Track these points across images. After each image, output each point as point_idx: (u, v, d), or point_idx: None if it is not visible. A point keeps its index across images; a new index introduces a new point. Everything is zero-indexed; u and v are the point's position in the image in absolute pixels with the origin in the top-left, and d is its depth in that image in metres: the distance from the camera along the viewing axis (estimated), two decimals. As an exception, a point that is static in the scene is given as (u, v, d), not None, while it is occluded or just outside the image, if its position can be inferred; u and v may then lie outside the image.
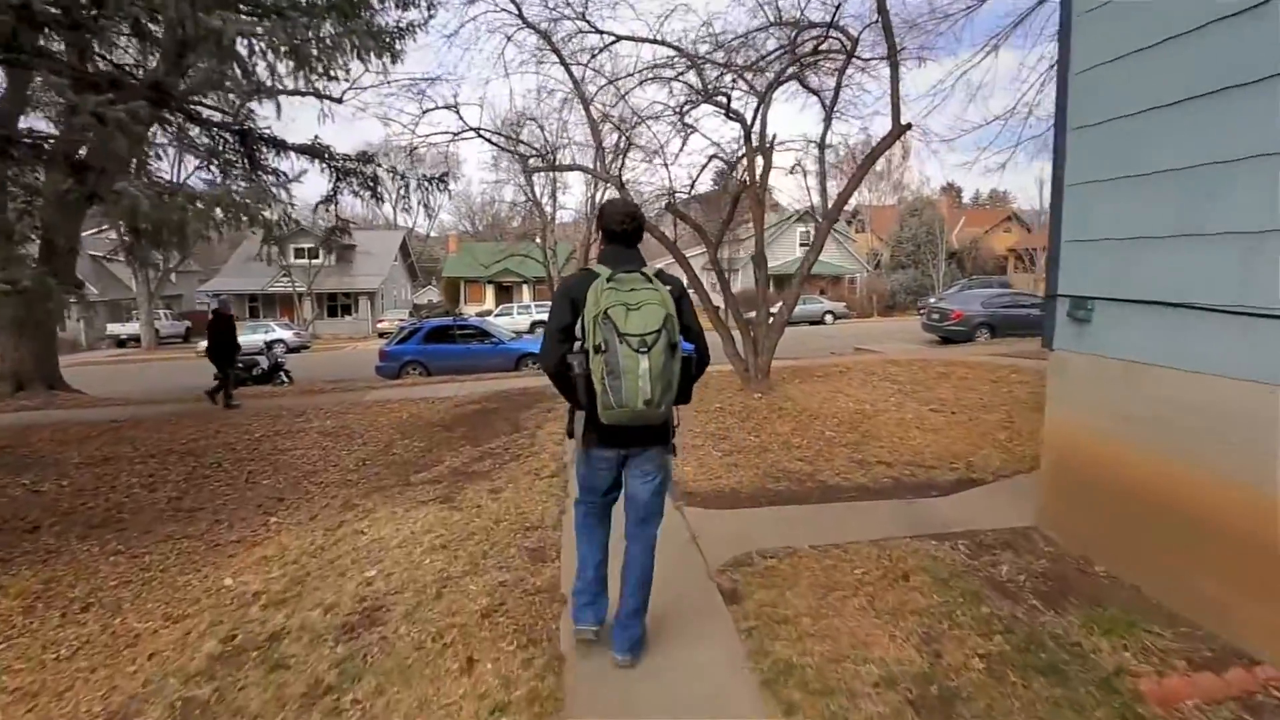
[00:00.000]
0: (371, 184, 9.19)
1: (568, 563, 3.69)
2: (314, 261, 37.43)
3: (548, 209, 33.24)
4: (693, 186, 8.69)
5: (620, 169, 8.12)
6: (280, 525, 5.06)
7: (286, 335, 29.28)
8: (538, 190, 32.66)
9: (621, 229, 2.69)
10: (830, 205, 7.64)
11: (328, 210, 9.35)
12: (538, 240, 34.16)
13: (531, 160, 8.35)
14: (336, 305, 39.60)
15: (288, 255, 38.02)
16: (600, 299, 2.40)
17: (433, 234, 68.63)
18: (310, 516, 5.25)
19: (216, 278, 40.43)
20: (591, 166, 8.46)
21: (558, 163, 8.25)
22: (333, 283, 38.23)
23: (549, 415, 7.81)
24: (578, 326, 2.51)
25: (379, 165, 9.02)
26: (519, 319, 29.11)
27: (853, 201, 57.79)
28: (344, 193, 9.18)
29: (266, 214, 7.57)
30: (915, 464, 5.39)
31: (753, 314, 8.45)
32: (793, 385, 8.89)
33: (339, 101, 8.51)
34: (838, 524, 4.22)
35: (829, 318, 34.02)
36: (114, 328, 35.74)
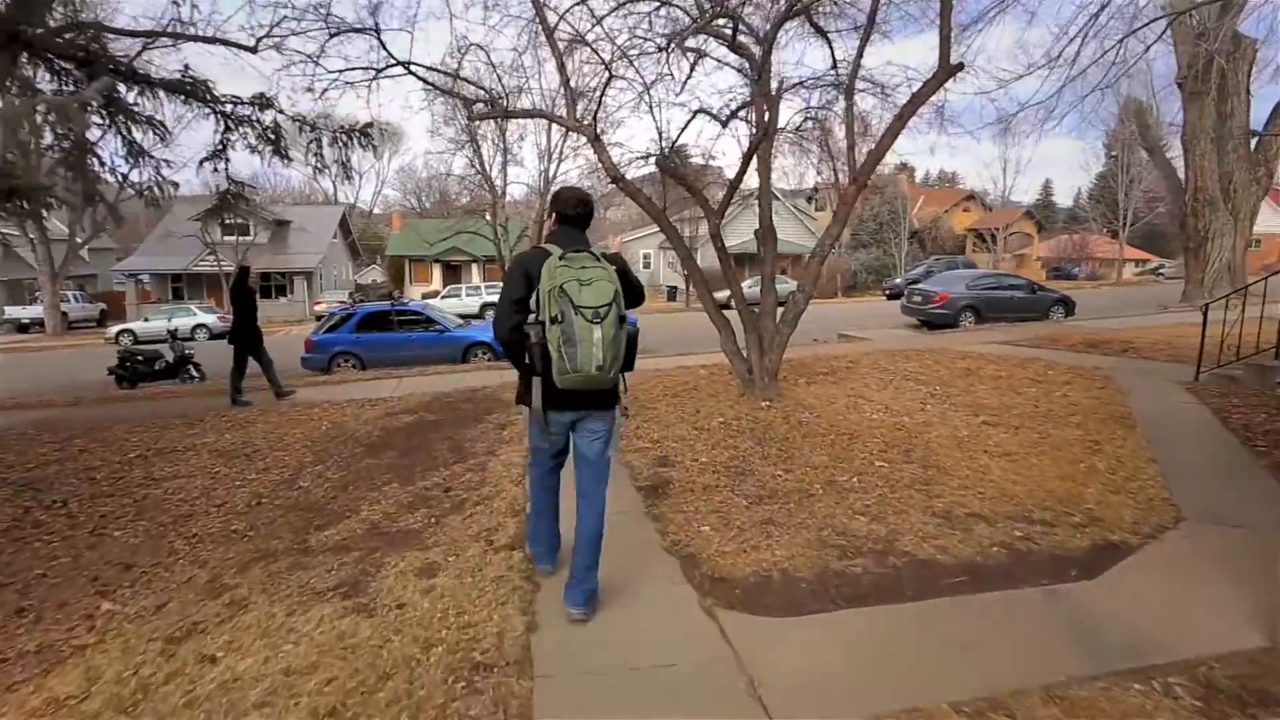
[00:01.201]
0: (271, 136, 7.20)
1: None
2: (244, 239, 34.40)
3: (498, 183, 31.05)
4: (673, 143, 6.95)
5: (595, 117, 6.36)
6: (108, 623, 3.32)
7: (210, 320, 26.58)
8: (487, 163, 30.44)
9: (575, 212, 2.95)
10: (861, 162, 6.09)
11: (216, 169, 7.32)
12: (487, 217, 31.96)
13: (478, 106, 6.50)
14: (270, 286, 36.59)
15: (214, 231, 34.96)
16: (556, 275, 2.64)
17: (376, 210, 65.22)
18: (157, 605, 3.50)
19: (134, 256, 36.98)
20: (556, 113, 6.70)
21: (515, 109, 6.40)
22: (265, 261, 35.19)
23: (503, 435, 6.11)
24: (532, 299, 2.74)
25: (280, 112, 7.04)
26: (468, 301, 27.01)
27: (811, 178, 56.84)
28: (236, 145, 7.18)
29: (135, 176, 5.68)
30: (1019, 516, 3.90)
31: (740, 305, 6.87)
32: (801, 388, 7.37)
33: (253, 50, 6.50)
34: (969, 647, 2.68)
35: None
36: (14, 311, 32.21)
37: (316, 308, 30.19)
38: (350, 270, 47.03)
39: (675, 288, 41.57)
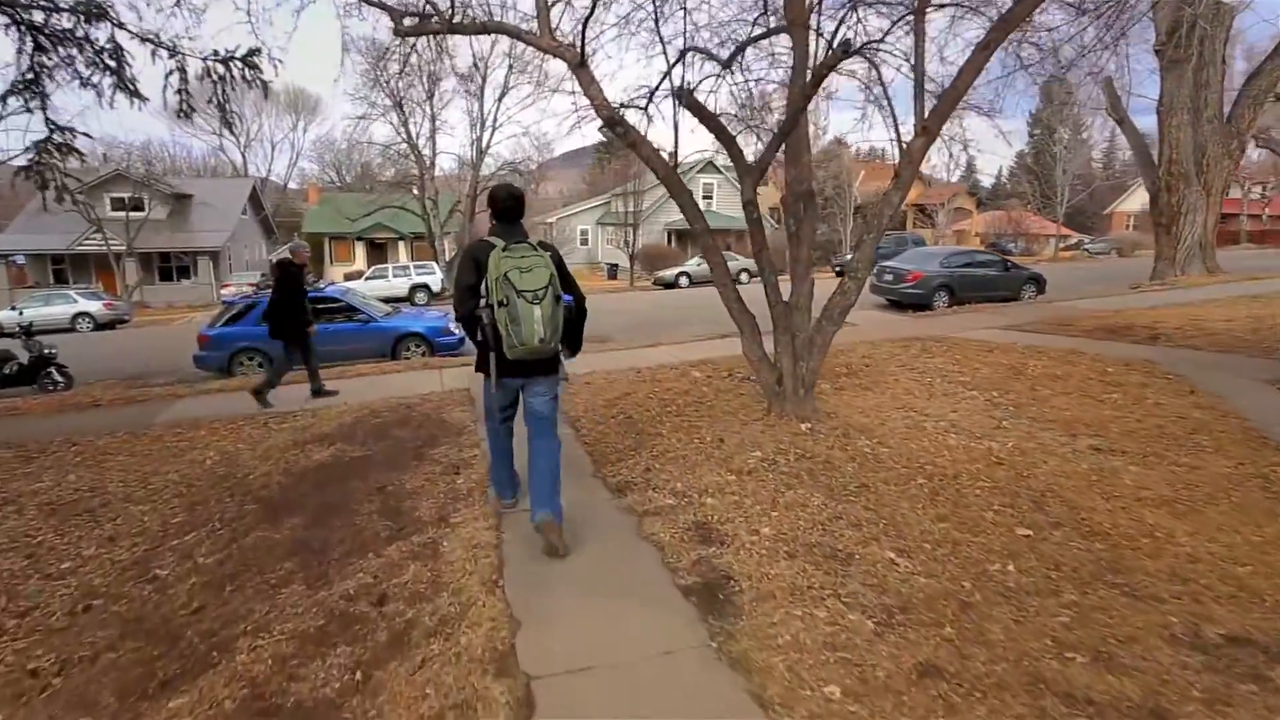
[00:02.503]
0: (109, 62, 5.06)
1: None
2: (135, 214, 30.58)
3: (426, 154, 28.45)
4: (683, 87, 5.21)
5: (584, 35, 4.62)
6: None
7: (94, 307, 23.24)
8: (414, 131, 27.80)
9: (505, 206, 3.41)
10: (938, 104, 4.55)
11: (32, 108, 5.08)
12: (414, 191, 29.33)
13: (409, 20, 4.61)
14: (170, 267, 32.91)
15: (102, 206, 30.95)
16: (500, 265, 3.11)
17: (292, 185, 60.52)
18: None
19: (5, 234, 32.47)
20: (526, 29, 4.89)
21: (463, 22, 4.54)
22: (163, 240, 31.56)
23: (457, 484, 4.35)
24: (482, 285, 3.22)
25: (120, 26, 4.90)
26: (396, 282, 24.50)
27: (753, 154, 55.84)
28: (55, 74, 5.01)
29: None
30: (1302, 636, 2.50)
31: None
32: (833, 397, 5.89)
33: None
34: None
35: (744, 275, 31.58)
36: None
37: (224, 291, 27.03)
38: (264, 250, 43.14)
39: (616, 265, 39.82)
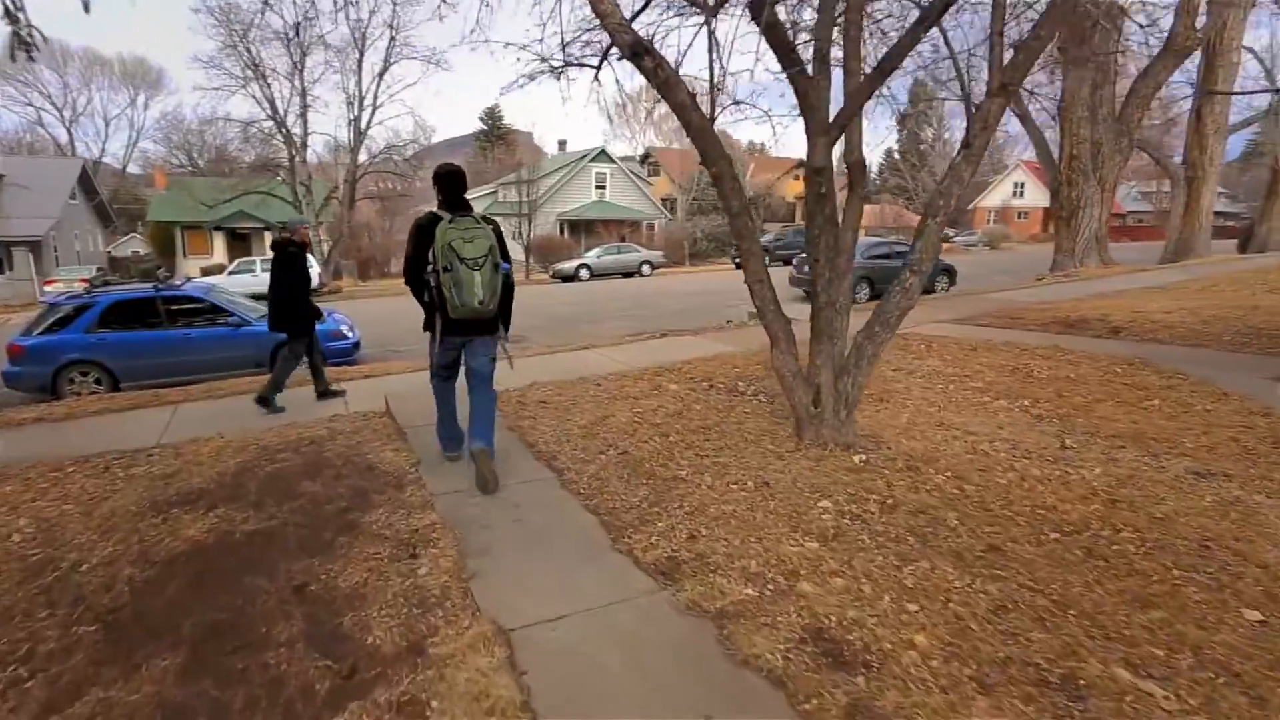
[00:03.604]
0: None
1: None
2: (-76, 196, 25.38)
3: (296, 133, 25.43)
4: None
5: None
6: None
7: None
8: (280, 106, 24.73)
9: (448, 181, 3.71)
10: (1017, 57, 3.62)
11: None
12: (282, 177, 26.16)
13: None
14: (-25, 260, 27.70)
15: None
16: (445, 235, 3.48)
17: (132, 168, 53.55)
18: None
19: None
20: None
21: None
22: (-36, 228, 26.47)
23: (417, 568, 2.97)
24: (429, 254, 3.57)
25: None
26: (264, 277, 21.50)
27: (641, 145, 55.14)
28: None
29: None
30: None
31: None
32: (854, 413, 4.90)
33: None
34: None
35: (646, 268, 30.76)
36: None
37: (48, 289, 22.88)
38: (101, 240, 37.63)
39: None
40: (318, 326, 9.75)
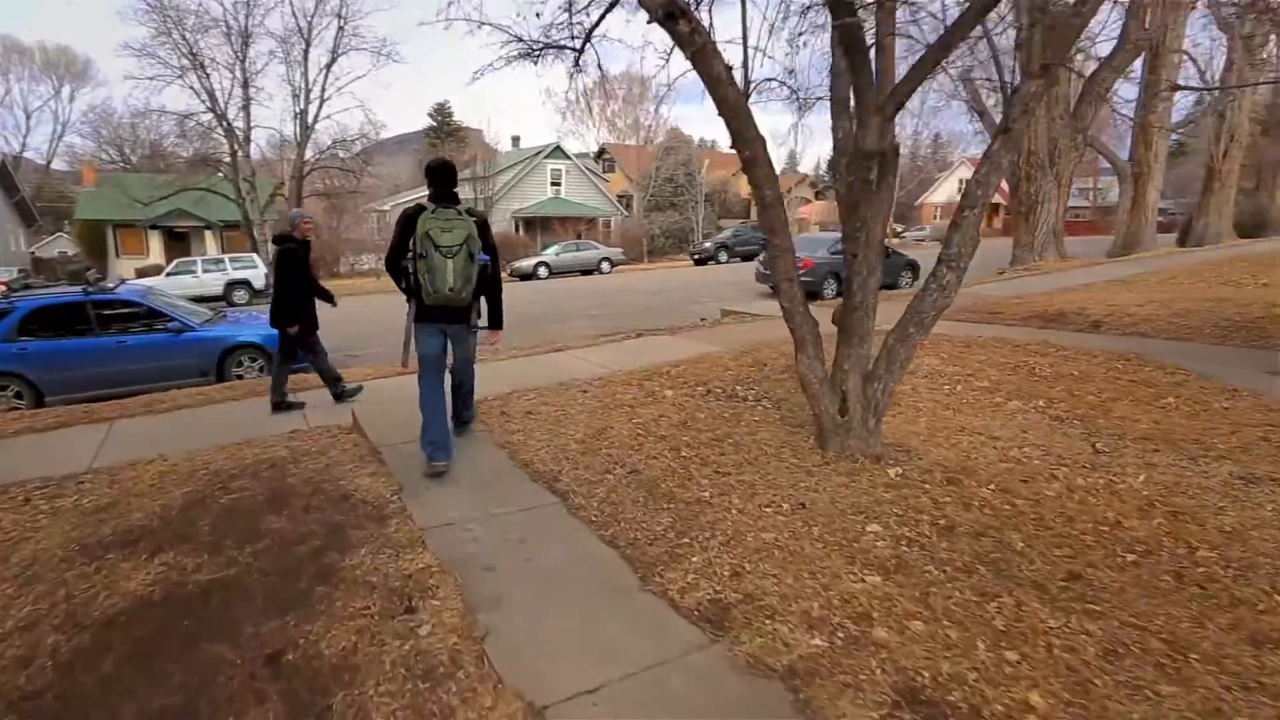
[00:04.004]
0: None
1: None
2: None
3: (238, 127, 24.09)
4: None
5: None
6: None
7: None
8: (220, 98, 23.39)
9: (437, 174, 3.84)
10: (1056, 35, 3.31)
11: None
12: (223, 174, 24.76)
13: None
14: (-122, 263, 25.50)
15: None
16: (424, 224, 3.65)
17: (57, 164, 50.34)
18: None
19: None
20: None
21: None
22: None
23: (416, 627, 2.50)
24: (410, 242, 3.73)
25: None
26: (207, 278, 20.36)
27: (594, 141, 54.49)
28: None
29: None
30: None
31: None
32: (883, 425, 4.58)
33: None
34: None
35: (605, 265, 30.28)
36: None
37: (-39, 293, 21.11)
38: (24, 240, 35.23)
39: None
40: (269, 331, 9.11)
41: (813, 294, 15.37)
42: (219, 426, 5.52)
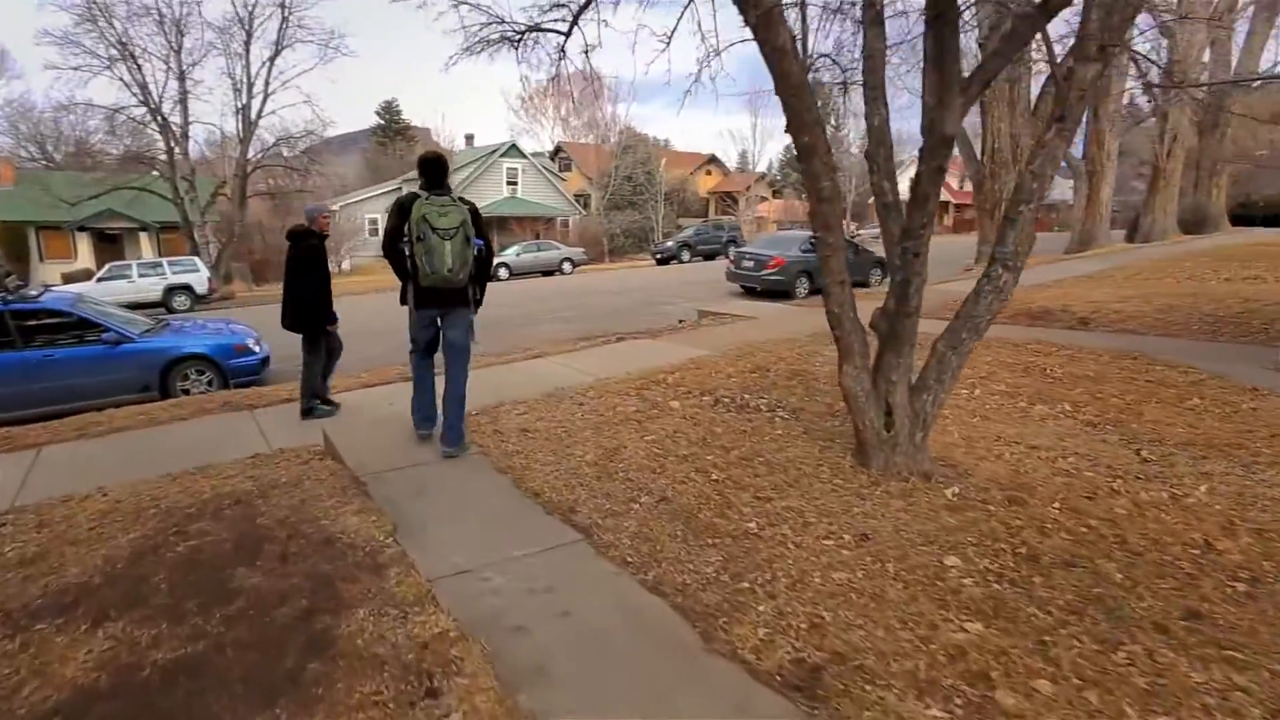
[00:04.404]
0: None
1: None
2: None
3: (175, 122, 22.72)
4: None
5: None
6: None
7: None
8: (155, 92, 22.00)
9: (430, 166, 3.99)
10: (1110, 15, 3.04)
11: None
12: (159, 172, 23.33)
13: None
14: None
15: None
16: (420, 210, 3.79)
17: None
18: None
19: None
20: None
21: None
22: None
23: (442, 718, 2.03)
24: (405, 228, 3.87)
25: None
26: (144, 283, 19.06)
27: (550, 140, 53.80)
28: None
29: None
30: None
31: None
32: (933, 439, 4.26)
33: None
34: None
35: (567, 265, 29.70)
36: None
37: None
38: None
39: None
40: (218, 341, 8.38)
41: (784, 293, 15.21)
42: (167, 452, 4.88)
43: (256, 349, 8.63)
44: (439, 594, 2.62)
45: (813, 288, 15.48)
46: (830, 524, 3.02)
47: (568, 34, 5.33)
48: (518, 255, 28.19)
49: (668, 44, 4.65)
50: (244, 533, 3.25)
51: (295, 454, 4.61)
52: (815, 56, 3.63)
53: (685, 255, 31.70)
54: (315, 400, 5.69)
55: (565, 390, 5.79)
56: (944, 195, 57.07)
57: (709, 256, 32.05)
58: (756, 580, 2.61)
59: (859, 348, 3.35)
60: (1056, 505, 3.19)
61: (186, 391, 7.72)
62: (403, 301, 4.15)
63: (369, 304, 17.45)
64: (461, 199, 3.96)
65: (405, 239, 3.89)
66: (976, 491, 3.31)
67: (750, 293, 16.32)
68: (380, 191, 42.84)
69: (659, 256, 32.49)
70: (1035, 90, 16.63)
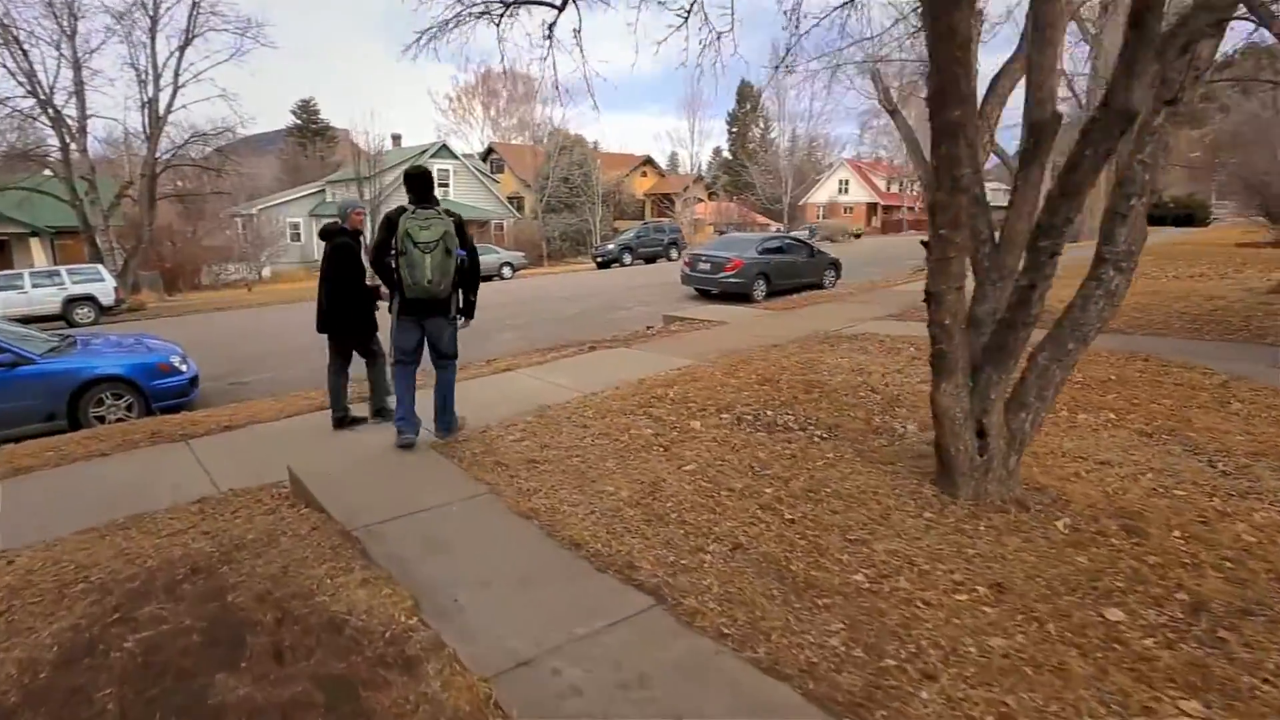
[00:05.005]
0: None
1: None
2: None
3: (70, 115, 20.61)
4: None
5: None
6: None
7: None
8: (44, 80, 19.88)
9: (415, 181, 4.12)
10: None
11: None
12: (51, 171, 21.14)
13: None
14: None
15: None
16: (405, 224, 3.95)
17: None
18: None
19: None
20: None
21: None
22: None
23: None
24: (393, 241, 4.02)
25: None
26: (38, 295, 17.06)
27: (479, 141, 52.48)
28: None
29: None
30: None
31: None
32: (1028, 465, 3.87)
33: None
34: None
35: (507, 270, 28.71)
36: None
37: None
38: None
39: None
40: (137, 360, 7.33)
41: (743, 296, 14.89)
42: (88, 499, 4.03)
43: (183, 368, 7.63)
44: (502, 699, 2.01)
45: (770, 290, 15.27)
46: (951, 571, 2.55)
47: (561, 7, 4.74)
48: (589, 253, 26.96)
49: (685, 17, 4.09)
50: (215, 618, 2.52)
51: (255, 498, 3.85)
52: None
53: (627, 258, 31.17)
54: (388, 394, 5.14)
55: (553, 408, 5.21)
56: (871, 197, 59.00)
57: (650, 259, 31.67)
58: (900, 655, 2.11)
59: (963, 364, 2.91)
60: (1177, 534, 2.83)
61: (102, 420, 6.69)
62: (390, 309, 4.30)
63: (306, 314, 16.24)
64: (447, 211, 4.09)
65: (393, 252, 4.03)
66: (1085, 522, 2.92)
67: (705, 295, 15.96)
68: (301, 194, 40.62)
69: (600, 259, 31.84)
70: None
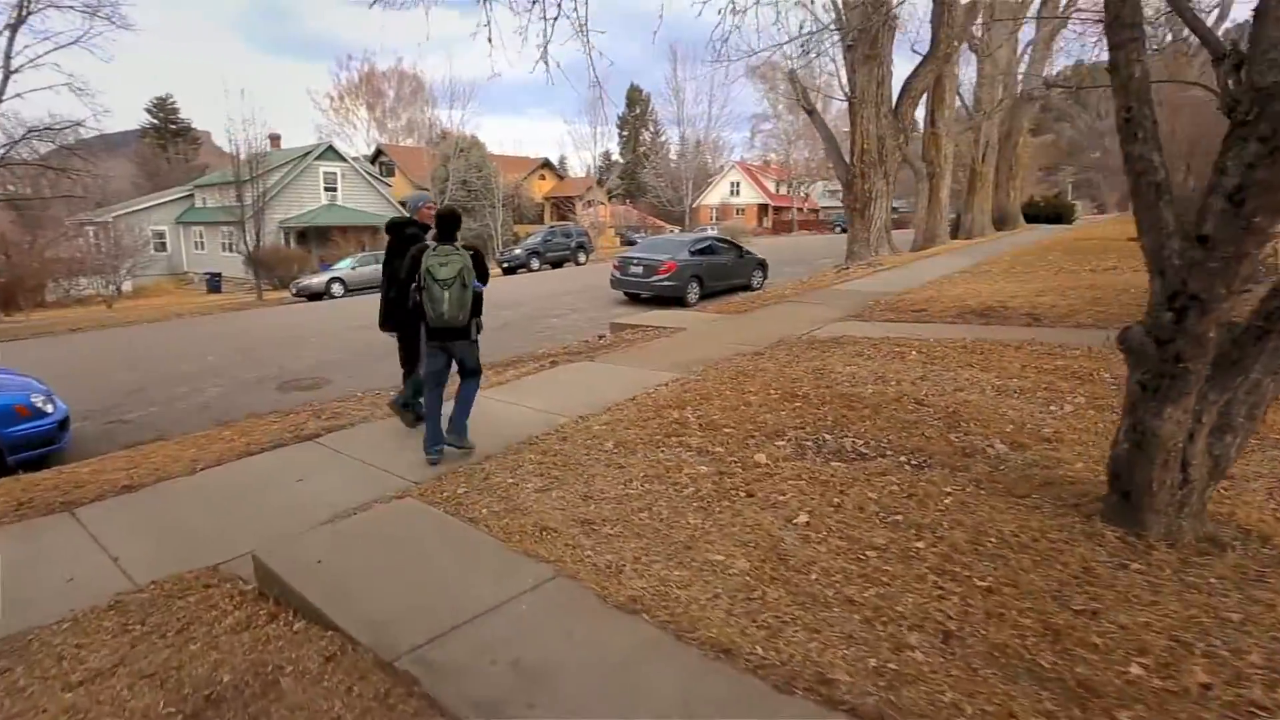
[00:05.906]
0: None
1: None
2: None
3: None
4: None
5: None
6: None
7: None
8: None
9: (444, 222, 4.44)
10: None
11: None
12: None
13: None
14: None
15: None
16: (426, 261, 4.21)
17: None
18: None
19: None
20: None
21: None
22: None
23: None
24: (416, 276, 4.31)
25: None
26: None
27: (365, 143, 49.50)
28: None
29: None
30: None
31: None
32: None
33: None
34: None
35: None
36: None
37: None
38: None
39: (219, 275, 31.00)
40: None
41: (677, 299, 14.37)
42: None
43: (48, 408, 6.16)
44: None
45: (703, 292, 14.86)
46: (1229, 653, 1.99)
47: None
48: (354, 268, 24.90)
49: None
50: None
51: (201, 595, 2.80)
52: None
53: (535, 263, 29.99)
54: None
55: (546, 440, 4.45)
56: (761, 198, 60.54)
57: (557, 264, 30.69)
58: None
59: (1196, 382, 2.38)
60: None
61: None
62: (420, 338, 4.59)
63: (208, 328, 14.19)
64: (466, 245, 4.37)
65: (416, 284, 4.32)
66: (1305, 561, 2.47)
67: (635, 300, 15.35)
68: (167, 199, 36.74)
69: (506, 265, 30.44)
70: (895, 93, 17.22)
